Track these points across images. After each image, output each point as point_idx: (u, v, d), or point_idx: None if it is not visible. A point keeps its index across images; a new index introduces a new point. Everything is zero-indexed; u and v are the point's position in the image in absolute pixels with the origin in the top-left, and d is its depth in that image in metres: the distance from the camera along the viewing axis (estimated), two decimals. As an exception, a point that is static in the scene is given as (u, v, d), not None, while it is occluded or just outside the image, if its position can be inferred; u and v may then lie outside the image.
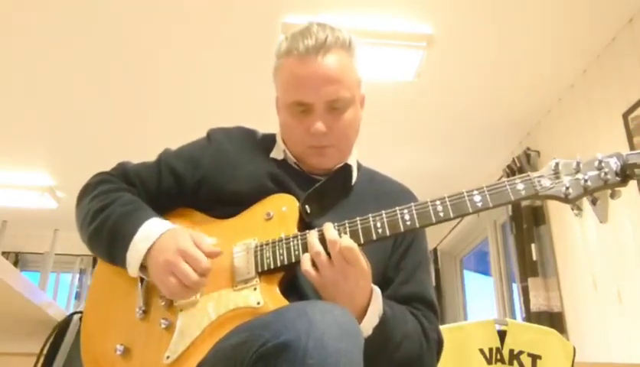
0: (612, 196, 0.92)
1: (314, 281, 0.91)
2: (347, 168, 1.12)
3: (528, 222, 3.23)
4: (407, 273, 1.08)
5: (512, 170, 3.39)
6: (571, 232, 2.96)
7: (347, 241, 0.89)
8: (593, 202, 0.92)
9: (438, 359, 1.05)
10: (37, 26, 2.58)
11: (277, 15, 2.48)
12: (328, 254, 0.90)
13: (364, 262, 0.91)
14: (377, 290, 0.97)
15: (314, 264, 0.90)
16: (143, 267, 0.96)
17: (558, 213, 3.12)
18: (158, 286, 0.94)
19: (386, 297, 1.00)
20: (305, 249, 0.93)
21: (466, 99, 3.17)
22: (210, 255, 0.92)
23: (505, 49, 2.72)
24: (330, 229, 0.91)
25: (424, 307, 1.06)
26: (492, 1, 2.42)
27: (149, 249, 0.94)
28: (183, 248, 0.91)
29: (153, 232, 0.96)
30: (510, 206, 3.42)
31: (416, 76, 2.87)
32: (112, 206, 1.02)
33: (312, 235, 0.93)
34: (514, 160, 3.39)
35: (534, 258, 3.13)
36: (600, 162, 0.91)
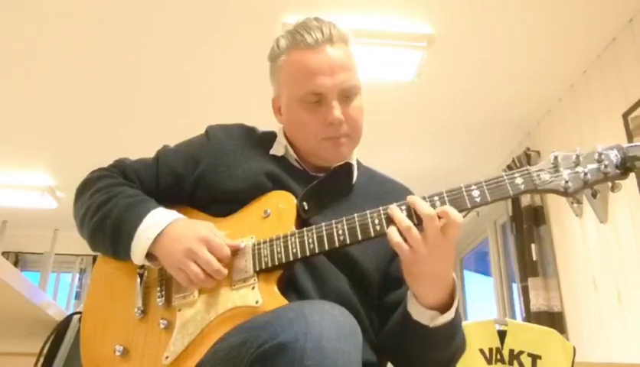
0: (613, 188, 0.90)
1: (405, 257, 0.86)
2: (347, 166, 1.10)
3: (528, 222, 3.23)
4: None
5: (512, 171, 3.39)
6: (571, 232, 2.96)
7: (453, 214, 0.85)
8: (593, 195, 0.91)
9: (463, 351, 1.04)
10: (37, 26, 2.58)
11: (277, 15, 2.48)
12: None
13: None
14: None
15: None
16: (149, 255, 0.95)
17: (558, 213, 3.12)
18: (173, 274, 0.94)
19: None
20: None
21: (466, 99, 3.17)
22: (231, 247, 0.94)
23: (505, 49, 2.72)
24: (421, 204, 0.86)
25: None
26: (492, 1, 2.42)
27: (158, 236, 0.94)
28: (206, 236, 0.92)
29: (162, 220, 0.96)
30: (510, 206, 3.42)
31: (416, 76, 2.87)
32: (116, 199, 1.01)
33: (396, 210, 0.87)
34: (514, 160, 3.39)
35: (534, 258, 3.13)
36: (600, 154, 0.90)
